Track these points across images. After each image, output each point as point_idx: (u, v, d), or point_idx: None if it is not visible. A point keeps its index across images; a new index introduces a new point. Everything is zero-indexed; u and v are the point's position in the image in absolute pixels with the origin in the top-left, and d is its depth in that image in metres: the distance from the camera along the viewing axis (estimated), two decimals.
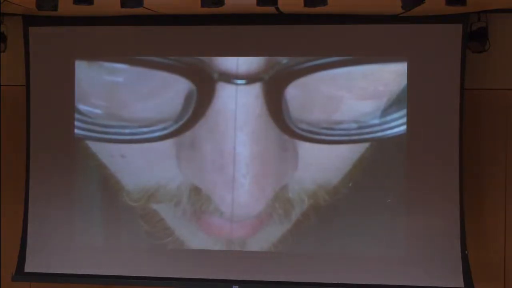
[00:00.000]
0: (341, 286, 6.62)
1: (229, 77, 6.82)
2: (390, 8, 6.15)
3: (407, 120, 6.57)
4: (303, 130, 6.79)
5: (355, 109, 6.72)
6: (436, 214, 6.51)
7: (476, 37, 6.50)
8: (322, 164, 6.80)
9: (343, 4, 6.15)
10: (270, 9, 6.27)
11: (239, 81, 6.83)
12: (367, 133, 6.76)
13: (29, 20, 6.88)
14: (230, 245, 6.82)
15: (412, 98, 6.55)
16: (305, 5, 5.70)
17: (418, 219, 6.54)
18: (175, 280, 6.79)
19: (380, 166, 6.69)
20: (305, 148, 6.79)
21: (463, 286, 6.44)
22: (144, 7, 5.91)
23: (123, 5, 5.77)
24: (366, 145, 6.73)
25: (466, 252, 6.46)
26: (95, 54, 6.87)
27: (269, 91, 6.79)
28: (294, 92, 6.77)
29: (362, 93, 6.72)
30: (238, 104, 6.81)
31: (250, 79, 6.81)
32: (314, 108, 6.78)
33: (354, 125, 6.73)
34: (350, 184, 6.73)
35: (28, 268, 6.93)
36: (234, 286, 6.72)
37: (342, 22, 6.60)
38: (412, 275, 6.54)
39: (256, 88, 6.80)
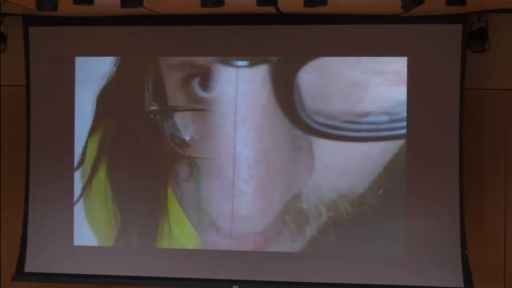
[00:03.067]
0: (341, 286, 6.61)
1: (227, 58, 6.17)
2: (390, 8, 6.15)
3: (407, 120, 6.52)
4: (319, 124, 6.08)
5: (385, 98, 6.04)
6: (436, 214, 6.50)
7: (476, 37, 6.50)
8: (344, 167, 6.06)
9: (343, 4, 6.15)
10: (270, 9, 6.27)
11: (240, 63, 6.14)
12: (401, 128, 6.02)
13: (29, 20, 6.87)
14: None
15: (412, 98, 6.53)
16: (305, 5, 5.70)
17: (418, 219, 6.53)
18: (175, 280, 6.78)
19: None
20: (323, 147, 6.00)
21: (463, 286, 6.44)
22: (144, 7, 5.91)
23: (123, 5, 5.78)
24: (399, 143, 6.14)
25: (466, 252, 6.46)
26: (95, 54, 6.86)
27: (277, 76, 6.10)
28: (308, 77, 6.09)
29: (394, 78, 6.02)
30: (239, 91, 6.13)
31: (254, 60, 6.16)
32: (334, 97, 6.05)
33: (385, 118, 6.08)
34: (380, 193, 6.20)
35: (28, 268, 6.93)
36: (234, 286, 6.71)
37: (342, 22, 6.57)
38: (412, 275, 6.53)
39: (261, 72, 6.21)
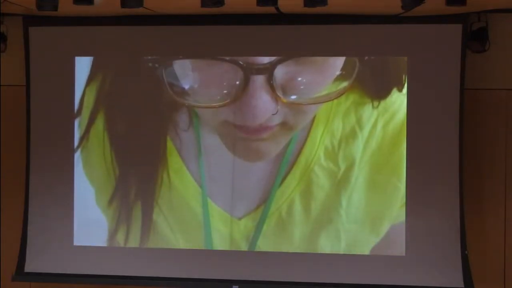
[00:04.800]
0: (341, 286, 6.62)
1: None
2: (390, 8, 6.15)
3: (407, 120, 6.54)
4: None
5: None
6: (436, 214, 6.51)
7: (476, 37, 6.50)
8: None
9: (343, 4, 6.15)
10: (270, 9, 6.27)
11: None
12: None
13: (29, 20, 6.87)
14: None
15: (411, 98, 6.54)
16: (305, 5, 5.71)
17: (418, 219, 6.53)
18: (175, 280, 6.78)
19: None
20: None
21: (463, 286, 6.44)
22: (144, 7, 5.92)
23: (123, 5, 5.78)
24: None
25: (466, 252, 6.46)
26: (95, 54, 6.86)
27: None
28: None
29: None
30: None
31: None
32: None
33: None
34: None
35: (28, 268, 6.92)
36: (234, 286, 6.71)
37: (342, 22, 6.57)
38: (412, 275, 6.53)
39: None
